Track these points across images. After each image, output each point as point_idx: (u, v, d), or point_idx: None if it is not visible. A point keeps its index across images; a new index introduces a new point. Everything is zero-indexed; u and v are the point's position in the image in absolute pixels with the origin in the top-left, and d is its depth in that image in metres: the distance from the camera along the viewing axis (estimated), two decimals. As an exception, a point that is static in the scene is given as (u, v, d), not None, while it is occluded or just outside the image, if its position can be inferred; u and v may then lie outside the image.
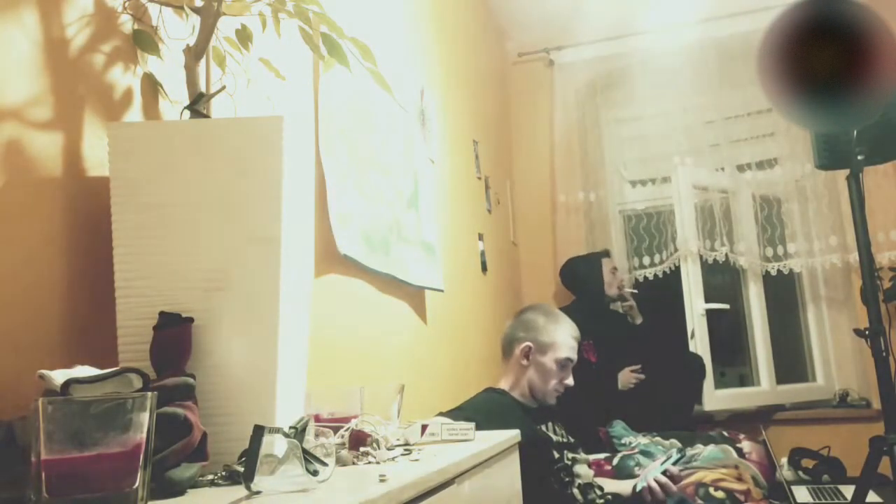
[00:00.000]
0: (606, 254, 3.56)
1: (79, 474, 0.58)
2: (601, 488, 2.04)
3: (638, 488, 2.02)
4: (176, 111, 1.15)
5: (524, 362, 2.10)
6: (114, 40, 1.04)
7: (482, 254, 3.17)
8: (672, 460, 2.05)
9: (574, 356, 2.12)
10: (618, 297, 3.47)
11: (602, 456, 2.57)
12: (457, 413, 1.82)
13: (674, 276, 3.54)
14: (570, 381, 2.10)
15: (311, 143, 1.67)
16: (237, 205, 0.91)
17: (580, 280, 3.52)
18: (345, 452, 0.99)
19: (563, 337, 2.10)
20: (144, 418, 0.61)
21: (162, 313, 0.87)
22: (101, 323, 0.92)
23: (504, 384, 2.13)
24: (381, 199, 1.98)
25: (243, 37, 1.15)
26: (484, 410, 1.87)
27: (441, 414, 1.83)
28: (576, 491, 1.92)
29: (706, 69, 3.75)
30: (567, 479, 1.92)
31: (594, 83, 4.02)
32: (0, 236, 0.83)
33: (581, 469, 2.00)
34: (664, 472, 2.02)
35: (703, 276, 3.42)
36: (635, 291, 3.54)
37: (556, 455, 1.97)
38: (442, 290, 2.41)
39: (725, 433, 2.78)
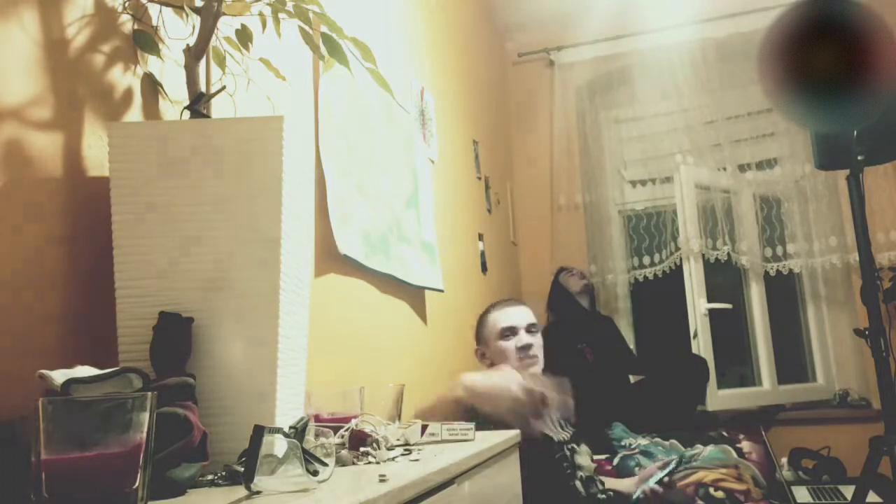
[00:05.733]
0: (561, 269, 3.61)
1: (79, 474, 0.58)
2: (602, 483, 2.04)
3: (635, 496, 2.02)
4: (176, 111, 1.15)
5: (486, 363, 2.14)
6: (114, 40, 1.04)
7: (482, 254, 3.17)
8: (670, 468, 2.04)
9: (512, 322, 2.07)
10: (585, 288, 3.51)
11: (603, 456, 2.57)
12: None
13: (674, 278, 3.54)
14: (524, 340, 2.05)
15: (311, 143, 1.67)
16: (237, 205, 0.91)
17: (555, 303, 3.57)
18: (345, 452, 0.99)
19: (489, 322, 2.12)
20: (144, 418, 0.61)
21: (162, 313, 0.87)
22: (101, 323, 0.92)
23: None
24: (380, 199, 1.98)
25: (243, 37, 1.15)
26: (476, 413, 1.87)
27: None
28: (578, 484, 1.92)
29: (706, 69, 3.75)
30: (569, 471, 1.92)
31: (594, 83, 4.02)
32: (0, 236, 0.83)
33: (583, 460, 2.00)
34: (661, 481, 2.02)
35: (705, 276, 3.42)
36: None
37: (557, 448, 1.96)
38: (442, 290, 2.41)
39: (725, 433, 2.78)
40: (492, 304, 2.24)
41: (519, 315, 2.11)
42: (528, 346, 2.06)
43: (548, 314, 3.66)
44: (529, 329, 2.10)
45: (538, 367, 2.09)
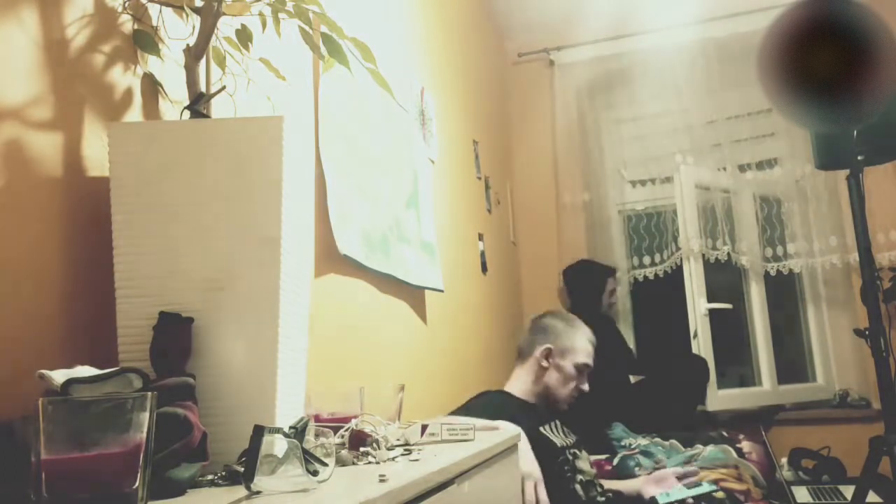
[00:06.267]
0: (614, 272, 3.62)
1: (79, 474, 0.58)
2: (602, 486, 2.05)
3: (661, 502, 2.03)
4: (176, 111, 1.15)
5: (544, 364, 2.13)
6: (114, 40, 1.04)
7: (482, 254, 3.17)
8: (704, 490, 2.07)
9: (591, 362, 2.14)
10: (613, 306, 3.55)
11: (603, 456, 2.57)
12: (459, 414, 1.82)
13: (674, 278, 3.54)
14: (585, 386, 2.12)
15: (311, 143, 1.67)
16: (237, 205, 0.91)
17: (580, 289, 3.56)
18: (345, 452, 0.99)
19: (581, 342, 2.14)
20: (144, 418, 0.61)
21: (162, 313, 0.87)
22: (101, 323, 0.92)
23: (510, 386, 2.14)
24: (381, 199, 1.98)
25: (243, 37, 1.15)
26: (485, 413, 1.87)
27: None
28: (578, 487, 1.92)
29: (706, 69, 3.75)
30: (569, 474, 1.92)
31: (594, 83, 4.02)
32: (0, 236, 0.83)
33: (583, 464, 2.00)
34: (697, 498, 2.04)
35: (705, 276, 3.42)
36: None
37: (558, 452, 1.97)
38: (442, 290, 2.41)
39: (725, 433, 2.78)
40: (576, 317, 2.25)
41: (591, 356, 2.17)
42: (583, 393, 2.13)
43: (567, 299, 3.65)
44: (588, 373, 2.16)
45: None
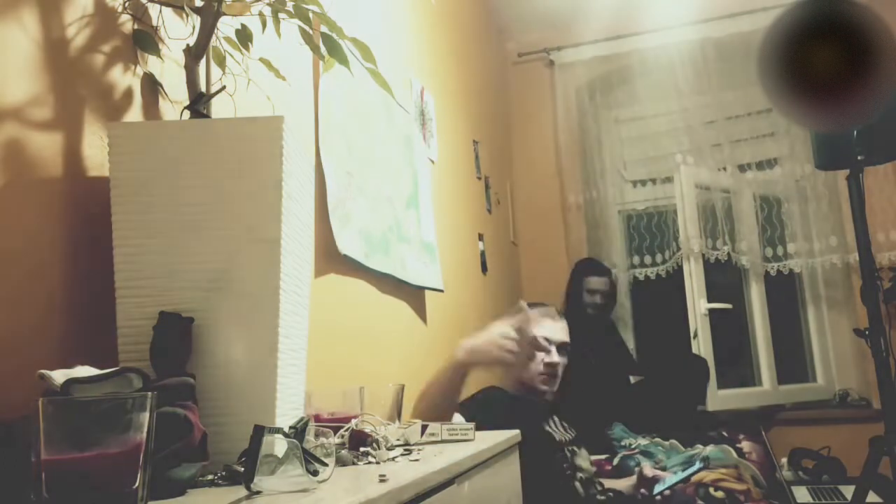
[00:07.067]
0: (597, 273, 3.49)
1: (79, 474, 0.58)
2: (601, 484, 2.05)
3: (656, 490, 2.02)
4: (176, 111, 1.15)
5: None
6: (114, 40, 1.04)
7: (482, 254, 3.17)
8: (696, 468, 2.07)
9: (553, 336, 2.03)
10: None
11: (603, 456, 2.57)
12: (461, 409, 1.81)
13: (674, 278, 3.54)
14: (555, 357, 2.01)
15: (311, 143, 1.67)
16: (237, 205, 0.91)
17: (567, 287, 3.52)
18: (345, 452, 0.99)
19: (533, 315, 1.99)
20: (144, 418, 0.61)
21: (162, 313, 0.87)
22: (101, 323, 0.92)
23: (501, 381, 2.13)
24: (380, 199, 1.98)
25: (243, 37, 1.15)
26: (482, 409, 1.87)
27: None
28: (577, 485, 1.92)
29: (706, 69, 3.76)
30: (568, 472, 1.92)
31: (594, 83, 4.02)
32: (0, 236, 0.83)
33: (582, 462, 2.00)
34: (684, 480, 2.04)
35: (705, 276, 3.42)
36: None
37: (558, 451, 1.97)
38: (442, 290, 2.41)
39: (725, 433, 2.79)
40: (532, 302, 2.12)
41: (555, 331, 2.06)
42: (554, 366, 2.02)
43: (566, 299, 3.62)
44: (560, 348, 2.06)
45: (555, 386, 2.07)
